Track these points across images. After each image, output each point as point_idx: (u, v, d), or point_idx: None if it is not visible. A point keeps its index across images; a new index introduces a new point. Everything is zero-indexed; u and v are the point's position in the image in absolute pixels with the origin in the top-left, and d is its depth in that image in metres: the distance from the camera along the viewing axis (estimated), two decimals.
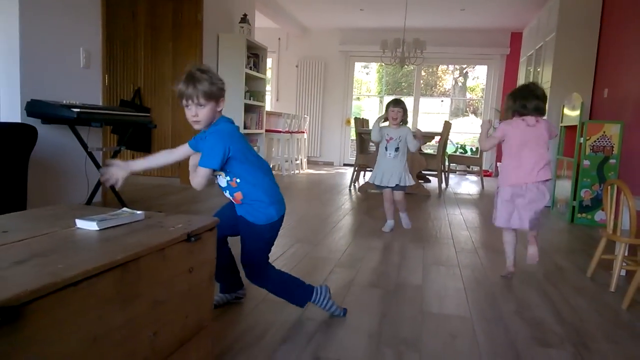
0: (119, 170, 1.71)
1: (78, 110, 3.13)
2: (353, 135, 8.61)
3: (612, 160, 4.36)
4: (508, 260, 2.71)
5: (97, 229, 1.22)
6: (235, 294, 2.09)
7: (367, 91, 11.20)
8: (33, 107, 3.12)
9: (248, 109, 6.21)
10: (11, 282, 0.84)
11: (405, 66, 7.53)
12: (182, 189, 5.25)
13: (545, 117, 2.68)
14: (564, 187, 4.80)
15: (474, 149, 9.18)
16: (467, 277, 2.67)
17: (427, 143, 7.39)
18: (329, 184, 6.54)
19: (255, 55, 6.42)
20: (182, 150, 1.83)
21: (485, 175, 7.38)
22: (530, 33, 6.87)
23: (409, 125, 3.70)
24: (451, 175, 8.17)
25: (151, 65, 5.57)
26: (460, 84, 11.03)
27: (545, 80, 5.68)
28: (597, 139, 4.39)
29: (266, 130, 6.92)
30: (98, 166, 3.62)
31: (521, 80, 7.22)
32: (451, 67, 10.65)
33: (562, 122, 5.12)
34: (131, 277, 1.06)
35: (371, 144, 6.44)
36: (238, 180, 1.73)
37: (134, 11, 5.53)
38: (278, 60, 9.79)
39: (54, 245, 1.08)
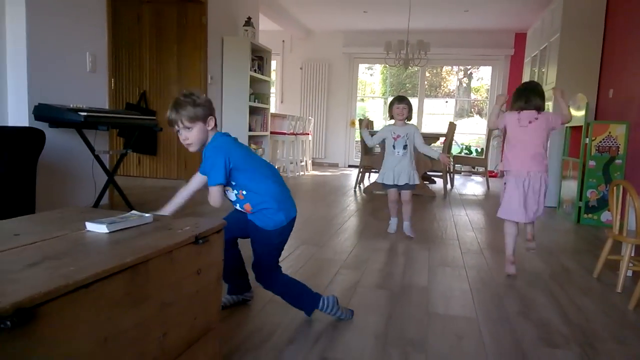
0: None
1: (85, 114, 3.16)
2: (358, 137, 8.62)
3: (618, 161, 4.35)
4: (508, 250, 2.78)
5: (107, 231, 1.23)
6: (243, 296, 2.10)
7: (372, 92, 11.21)
8: (40, 111, 3.15)
9: (253, 111, 6.23)
10: (25, 284, 0.86)
11: (410, 67, 7.53)
12: None
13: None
14: (570, 187, 4.78)
15: (479, 150, 9.16)
16: (473, 278, 2.67)
17: (432, 144, 7.38)
18: (333, 186, 6.55)
19: (259, 58, 6.44)
20: (197, 180, 1.87)
21: (490, 176, 7.37)
22: (534, 34, 6.86)
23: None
24: (456, 176, 8.16)
25: (156, 69, 5.61)
26: (464, 84, 11.02)
27: (550, 80, 5.67)
28: (603, 139, 4.38)
29: (271, 133, 6.94)
30: (105, 169, 3.65)
31: (526, 81, 7.20)
32: (455, 68, 10.64)
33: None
34: (140, 279, 1.08)
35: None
36: (244, 193, 1.76)
37: (139, 15, 5.57)
38: (282, 62, 9.82)
39: (65, 248, 1.10)
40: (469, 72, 10.70)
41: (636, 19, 4.57)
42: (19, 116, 3.16)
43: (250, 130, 6.09)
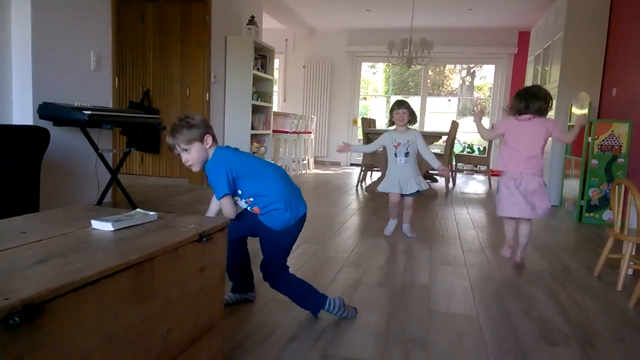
0: None
1: (89, 112, 3.18)
2: (360, 135, 8.62)
3: (620, 160, 4.35)
4: (507, 236, 3.00)
5: (112, 229, 1.25)
6: (246, 295, 2.12)
7: (374, 91, 11.20)
8: (45, 110, 3.17)
9: (255, 109, 6.25)
10: (33, 281, 0.87)
11: (412, 66, 7.53)
12: (191, 189, 5.31)
13: (549, 117, 2.87)
14: (572, 186, 4.79)
15: (482, 149, 9.16)
16: (474, 276, 2.69)
17: (435, 143, 7.38)
18: (336, 184, 6.56)
19: (262, 57, 6.46)
20: (214, 201, 1.90)
21: (492, 175, 7.36)
22: (538, 32, 6.85)
23: (417, 125, 3.60)
24: (458, 175, 8.16)
25: (160, 67, 5.62)
26: (467, 83, 11.00)
27: (553, 79, 5.66)
28: (605, 138, 4.38)
29: (273, 131, 6.96)
30: (108, 167, 3.68)
31: (529, 80, 7.19)
32: (458, 67, 10.62)
33: (570, 121, 5.12)
34: (145, 276, 1.10)
35: None
36: (252, 199, 1.81)
37: (143, 14, 5.59)
38: (285, 61, 9.83)
39: (71, 246, 1.12)
40: (472, 70, 10.68)
41: None
42: (23, 115, 3.18)
43: (252, 128, 6.11)
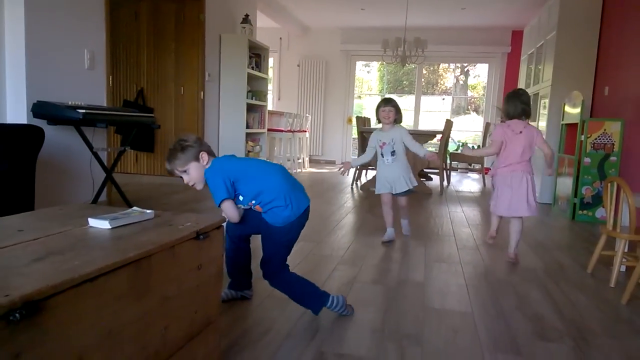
0: None
1: (84, 111, 3.17)
2: (355, 134, 8.64)
3: (612, 158, 4.39)
4: (492, 229, 3.28)
5: (110, 227, 1.26)
6: (242, 293, 2.13)
7: (369, 89, 11.23)
8: (39, 109, 3.16)
9: (250, 108, 6.24)
10: (32, 278, 0.88)
11: (407, 65, 7.55)
12: (186, 188, 5.29)
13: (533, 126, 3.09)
14: (565, 184, 4.83)
15: (476, 147, 9.20)
16: (468, 273, 2.71)
17: (429, 141, 7.41)
18: (331, 183, 6.58)
19: (257, 55, 6.45)
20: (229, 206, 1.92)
21: (486, 173, 7.40)
22: (531, 31, 6.89)
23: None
24: (453, 173, 8.20)
25: (154, 66, 5.61)
26: (461, 82, 11.05)
27: (546, 78, 5.70)
28: (598, 136, 4.42)
29: (268, 130, 6.95)
30: (103, 166, 3.67)
31: (522, 78, 7.24)
32: (452, 66, 10.67)
33: (563, 120, 5.15)
34: (143, 273, 1.10)
35: None
36: (254, 202, 1.83)
37: (137, 12, 5.57)
38: (280, 59, 9.82)
39: (69, 244, 1.12)
40: (465, 69, 10.73)
41: (632, 18, 4.60)
42: (17, 113, 3.17)
43: (247, 127, 6.10)
